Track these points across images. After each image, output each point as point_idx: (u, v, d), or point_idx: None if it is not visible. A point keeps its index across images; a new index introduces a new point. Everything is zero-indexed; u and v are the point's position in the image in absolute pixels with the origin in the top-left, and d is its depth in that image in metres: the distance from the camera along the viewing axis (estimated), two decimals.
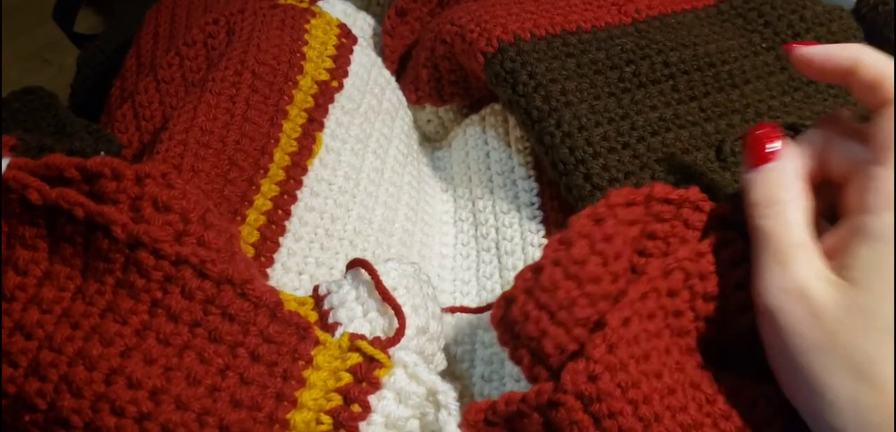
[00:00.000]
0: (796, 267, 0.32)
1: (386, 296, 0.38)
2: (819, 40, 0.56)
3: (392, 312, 0.38)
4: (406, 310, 0.38)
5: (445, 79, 0.57)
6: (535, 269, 0.35)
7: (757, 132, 0.36)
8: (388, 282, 0.39)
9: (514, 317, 0.34)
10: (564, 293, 0.33)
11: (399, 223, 0.52)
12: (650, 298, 0.34)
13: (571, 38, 0.51)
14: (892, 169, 0.32)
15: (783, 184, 0.34)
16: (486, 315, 0.46)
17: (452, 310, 0.48)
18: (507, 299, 0.35)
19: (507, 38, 0.50)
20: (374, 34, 0.65)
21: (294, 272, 0.46)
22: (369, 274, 0.39)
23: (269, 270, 0.45)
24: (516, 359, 0.35)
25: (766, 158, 0.36)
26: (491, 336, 0.46)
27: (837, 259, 0.32)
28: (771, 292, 0.33)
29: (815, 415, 0.32)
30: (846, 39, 0.56)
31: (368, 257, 0.48)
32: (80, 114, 0.56)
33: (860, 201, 0.33)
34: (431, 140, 0.63)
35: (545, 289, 0.34)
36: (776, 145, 0.36)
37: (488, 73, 0.50)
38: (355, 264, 0.40)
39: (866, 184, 0.33)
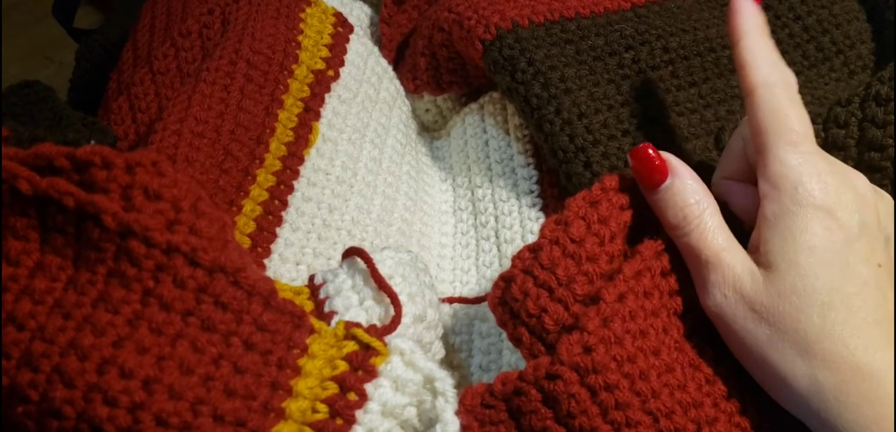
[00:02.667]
0: (725, 271, 0.33)
1: (382, 285, 0.38)
2: (821, 23, 0.55)
3: (388, 301, 0.38)
4: (402, 298, 0.38)
5: (443, 67, 0.56)
6: (534, 249, 0.35)
7: (639, 154, 0.36)
8: (383, 270, 0.39)
9: (513, 295, 0.34)
10: (563, 270, 0.34)
11: (398, 213, 0.52)
12: (645, 277, 0.34)
13: (570, 25, 0.51)
14: (775, 152, 0.33)
15: (689, 199, 0.34)
16: (484, 305, 0.46)
17: (450, 300, 0.48)
18: (505, 279, 0.35)
19: (505, 25, 0.50)
20: (371, 23, 0.65)
21: (292, 262, 0.46)
22: (365, 262, 0.39)
23: (266, 261, 0.45)
24: (515, 339, 0.35)
25: (660, 173, 0.35)
26: (488, 326, 0.46)
27: (758, 251, 0.33)
28: (713, 301, 0.33)
29: (792, 405, 0.32)
30: (848, 22, 0.56)
31: (367, 247, 0.48)
32: (80, 108, 0.56)
33: (760, 190, 0.34)
34: (430, 129, 0.62)
35: (544, 267, 0.34)
36: (663, 157, 0.36)
37: (487, 60, 0.50)
38: (351, 253, 0.40)
39: (759, 172, 0.34)
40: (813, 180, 0.32)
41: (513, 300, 0.35)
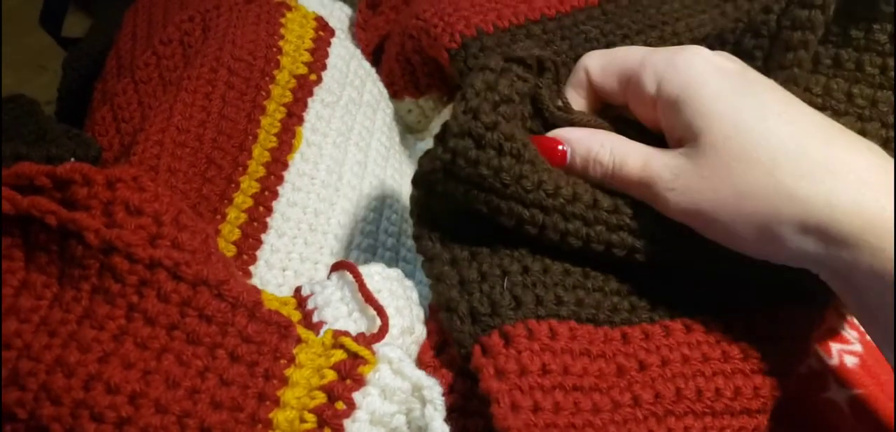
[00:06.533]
0: (662, 172, 0.34)
1: (369, 298, 0.38)
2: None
3: (374, 315, 0.38)
4: (390, 311, 0.38)
5: (419, 71, 0.56)
6: None
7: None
8: (372, 285, 0.38)
9: None
10: None
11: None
12: None
13: (535, 28, 0.51)
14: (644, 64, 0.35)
15: (593, 151, 0.36)
16: None
17: None
18: None
19: (469, 32, 0.49)
20: (352, 24, 0.65)
21: (278, 268, 0.46)
22: (353, 276, 0.39)
23: (252, 268, 0.45)
24: None
25: (560, 155, 0.37)
26: None
27: (675, 141, 0.34)
28: (675, 204, 0.34)
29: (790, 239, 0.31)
30: None
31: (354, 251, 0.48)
32: (69, 118, 0.55)
33: (642, 97, 0.35)
34: (415, 130, 0.62)
35: None
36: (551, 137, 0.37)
37: (454, 69, 0.50)
38: (339, 267, 0.40)
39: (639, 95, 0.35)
40: (683, 55, 0.34)
41: None
